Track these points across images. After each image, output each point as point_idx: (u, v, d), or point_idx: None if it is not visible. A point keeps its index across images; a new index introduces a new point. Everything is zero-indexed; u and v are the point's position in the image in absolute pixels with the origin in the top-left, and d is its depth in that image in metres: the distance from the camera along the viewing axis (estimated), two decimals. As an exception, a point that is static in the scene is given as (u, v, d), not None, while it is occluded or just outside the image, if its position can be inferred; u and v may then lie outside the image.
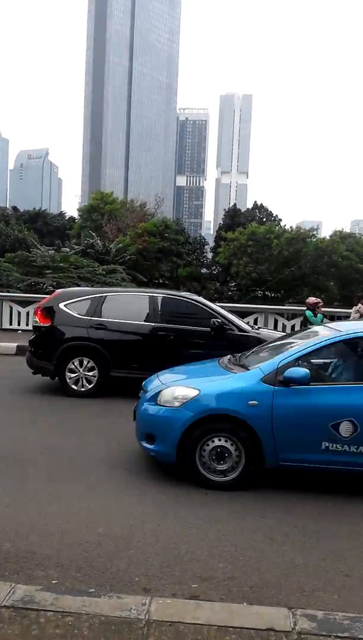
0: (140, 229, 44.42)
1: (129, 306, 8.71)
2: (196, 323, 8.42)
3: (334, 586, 3.08)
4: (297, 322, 15.05)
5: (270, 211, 58.38)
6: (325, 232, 76.96)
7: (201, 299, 9.16)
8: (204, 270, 52.24)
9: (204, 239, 58.73)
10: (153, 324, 8.37)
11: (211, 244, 57.20)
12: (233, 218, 55.28)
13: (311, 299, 12.56)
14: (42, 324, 8.35)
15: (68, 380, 8.06)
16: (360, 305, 14.47)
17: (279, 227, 49.71)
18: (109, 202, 51.95)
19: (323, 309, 12.94)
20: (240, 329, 8.32)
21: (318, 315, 12.24)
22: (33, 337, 8.49)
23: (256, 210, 58.16)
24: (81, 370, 8.09)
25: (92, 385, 8.07)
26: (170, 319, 8.53)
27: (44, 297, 10.38)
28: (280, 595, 2.94)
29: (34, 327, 8.74)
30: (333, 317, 15.30)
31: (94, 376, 8.09)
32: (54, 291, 9.87)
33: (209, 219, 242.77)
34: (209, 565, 3.24)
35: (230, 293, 46.50)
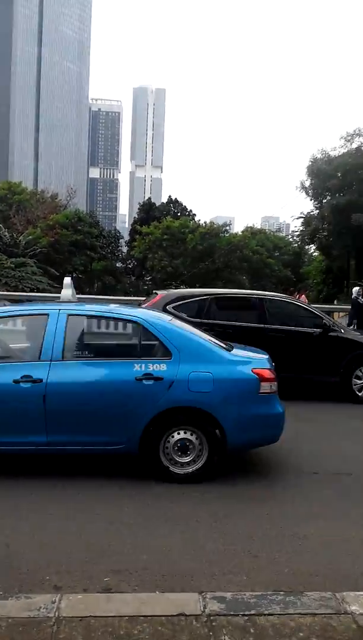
0: (51, 221, 43.15)
1: (237, 308, 8.82)
2: (303, 324, 8.59)
3: (243, 567, 3.19)
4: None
5: (185, 206, 59.01)
6: (238, 228, 79.16)
7: (301, 301, 9.37)
8: (119, 264, 51.89)
9: (119, 233, 58.32)
10: (264, 325, 8.41)
11: (126, 237, 56.92)
12: (148, 212, 55.30)
13: (224, 292, 12.89)
14: None
15: None
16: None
17: (193, 222, 50.45)
18: (18, 192, 49.88)
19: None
20: (345, 330, 8.73)
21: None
22: None
23: (171, 205, 58.54)
24: None
25: None
26: (279, 320, 8.61)
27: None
28: (192, 581, 3.00)
29: None
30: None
31: None
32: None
33: (124, 212, 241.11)
34: (122, 557, 3.24)
35: (146, 287, 46.58)
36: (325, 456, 5.60)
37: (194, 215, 56.54)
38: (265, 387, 4.63)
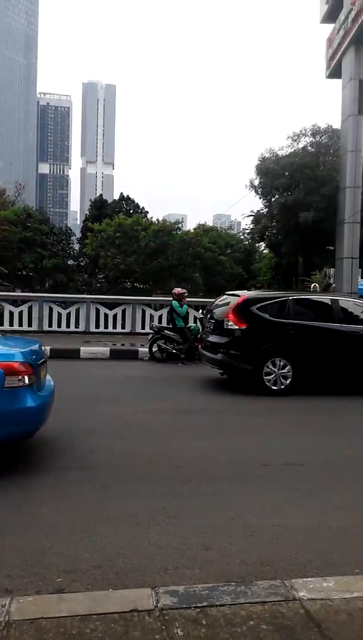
0: (-1, 217, 41.96)
1: (313, 308, 9.35)
2: None
3: (196, 561, 3.24)
4: (164, 312, 15.43)
5: (137, 203, 58.66)
6: (190, 225, 79.36)
7: None
8: (71, 262, 51.14)
9: (71, 230, 57.43)
10: (341, 324, 8.93)
11: (78, 234, 56.14)
12: (100, 209, 54.66)
13: (177, 290, 12.96)
14: (238, 327, 8.72)
15: (265, 380, 8.53)
16: None
17: (146, 219, 50.22)
18: (-36, 188, 48.28)
19: (188, 299, 13.43)
20: None
21: (184, 305, 12.66)
22: (228, 340, 8.80)
23: (123, 202, 58.06)
24: (276, 370, 8.57)
25: (286, 384, 8.59)
26: (353, 320, 9.15)
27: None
28: (145, 577, 3.02)
29: (227, 329, 8.85)
30: (198, 307, 15.96)
31: (289, 375, 8.59)
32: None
33: (76, 209, 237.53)
34: (75, 557, 3.22)
35: (99, 285, 46.16)
36: (276, 448, 5.74)
37: (147, 212, 56.32)
38: (12, 380, 4.45)
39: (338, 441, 6.24)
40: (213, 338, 9.26)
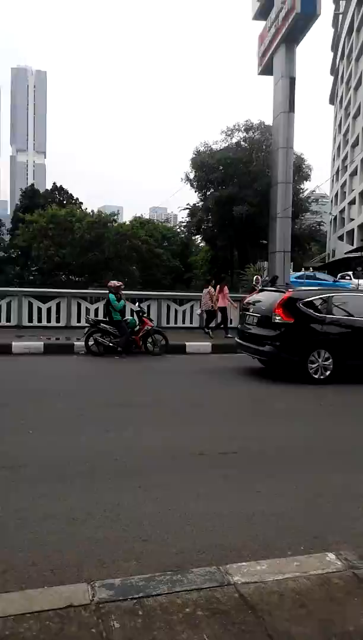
0: None
1: (353, 305, 9.84)
2: None
3: (133, 553, 3.24)
4: (101, 305, 15.24)
5: (71, 194, 57.47)
6: (126, 217, 78.68)
7: None
8: (1, 254, 49.45)
9: (1, 220, 55.50)
10: None
11: (8, 225, 54.29)
12: (32, 199, 53.13)
13: (113, 282, 12.83)
14: (286, 321, 9.34)
15: (310, 370, 9.17)
16: (210, 287, 15.54)
17: (80, 210, 49.27)
18: None
19: (124, 292, 13.34)
20: None
21: (121, 300, 12.57)
22: (276, 333, 9.39)
23: (56, 192, 56.71)
24: (320, 361, 9.21)
25: (328, 374, 9.21)
26: None
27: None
28: (81, 572, 2.98)
29: (275, 323, 9.41)
30: (135, 300, 15.90)
31: (329, 366, 9.24)
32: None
33: (5, 199, 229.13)
34: (9, 556, 3.14)
35: (32, 277, 44.91)
36: (212, 437, 5.84)
37: (81, 203, 55.30)
38: None
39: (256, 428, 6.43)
40: (257, 330, 9.86)
